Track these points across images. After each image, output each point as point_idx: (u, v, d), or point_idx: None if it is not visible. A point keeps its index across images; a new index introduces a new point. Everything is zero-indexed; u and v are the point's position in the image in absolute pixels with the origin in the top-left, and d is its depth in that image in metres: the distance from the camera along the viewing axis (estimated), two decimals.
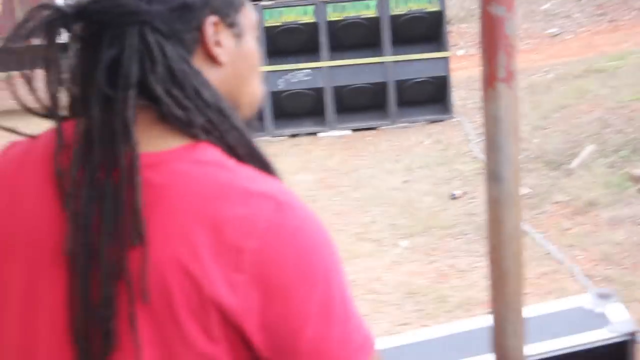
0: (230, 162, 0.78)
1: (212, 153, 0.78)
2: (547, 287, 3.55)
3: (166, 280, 0.74)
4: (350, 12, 6.85)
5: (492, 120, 1.11)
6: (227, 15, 0.83)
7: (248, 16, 0.87)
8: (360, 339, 0.80)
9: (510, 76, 1.08)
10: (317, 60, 7.16)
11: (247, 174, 0.78)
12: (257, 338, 0.75)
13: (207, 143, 0.78)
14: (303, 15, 7.22)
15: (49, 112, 0.82)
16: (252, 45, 0.88)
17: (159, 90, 0.75)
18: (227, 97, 0.83)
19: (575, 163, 5.05)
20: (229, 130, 0.80)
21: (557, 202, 4.66)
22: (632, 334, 1.49)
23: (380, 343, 1.41)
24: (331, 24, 6.89)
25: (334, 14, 6.86)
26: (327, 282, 0.77)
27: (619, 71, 6.62)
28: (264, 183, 0.78)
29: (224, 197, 0.75)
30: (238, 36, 0.85)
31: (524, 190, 4.37)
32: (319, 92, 7.33)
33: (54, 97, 0.81)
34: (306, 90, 7.37)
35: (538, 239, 4.15)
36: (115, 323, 0.74)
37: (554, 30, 10.23)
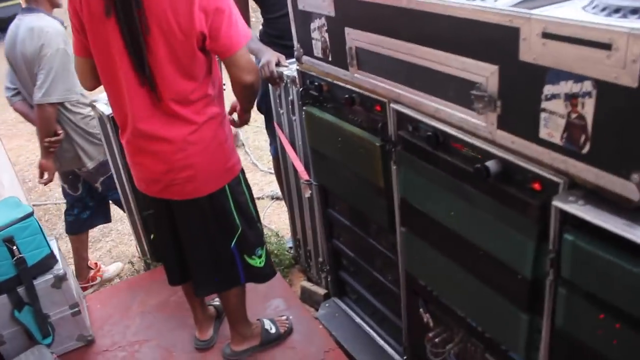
0: None
1: None
2: None
3: (167, 18, 1.76)
4: None
5: None
6: None
7: None
8: (244, 32, 1.89)
9: None
10: None
11: None
12: (207, 33, 1.82)
13: None
14: None
15: None
16: None
17: None
18: None
19: None
20: None
21: None
22: None
23: None
24: None
25: None
26: (229, 8, 1.82)
27: None
28: None
29: None
30: None
31: None
32: None
33: None
34: None
35: None
36: (144, 39, 1.80)
37: None
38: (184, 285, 2.48)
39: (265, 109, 3.01)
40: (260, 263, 2.32)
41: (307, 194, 2.58)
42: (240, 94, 2.08)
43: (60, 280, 2.56)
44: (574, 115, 1.15)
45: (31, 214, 2.48)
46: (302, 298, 2.94)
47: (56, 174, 3.15)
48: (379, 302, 2.40)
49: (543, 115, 1.21)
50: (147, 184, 2.13)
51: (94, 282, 3.51)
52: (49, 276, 2.54)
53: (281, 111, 2.67)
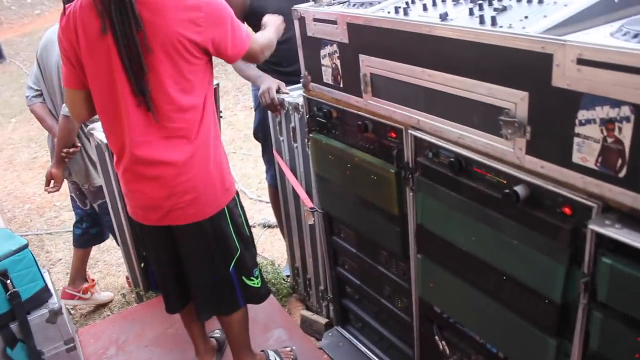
0: None
1: None
2: None
3: (172, 39, 1.80)
4: None
5: None
6: None
7: None
8: (246, 37, 1.98)
9: None
10: None
11: None
12: (212, 50, 1.89)
13: None
14: None
15: None
16: None
17: None
18: None
19: None
20: None
21: None
22: None
23: None
24: None
25: None
26: (230, 20, 1.90)
27: None
28: None
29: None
30: None
31: None
32: None
33: None
34: None
35: None
36: (145, 60, 1.81)
37: None
38: (183, 314, 2.42)
39: (262, 137, 2.98)
40: (257, 283, 2.30)
41: (309, 221, 2.56)
42: None
43: (56, 314, 2.47)
44: (610, 140, 1.16)
45: (26, 246, 2.41)
46: (302, 327, 2.89)
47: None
48: (386, 330, 2.36)
49: (577, 140, 1.22)
50: (144, 211, 2.08)
51: (84, 296, 3.45)
52: (43, 311, 2.45)
53: (281, 138, 2.65)
